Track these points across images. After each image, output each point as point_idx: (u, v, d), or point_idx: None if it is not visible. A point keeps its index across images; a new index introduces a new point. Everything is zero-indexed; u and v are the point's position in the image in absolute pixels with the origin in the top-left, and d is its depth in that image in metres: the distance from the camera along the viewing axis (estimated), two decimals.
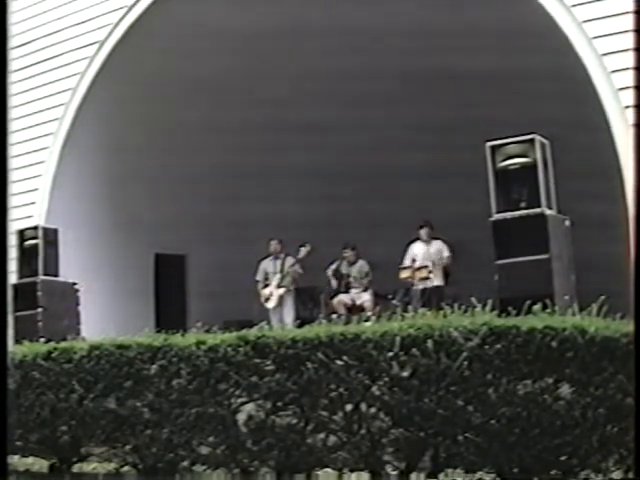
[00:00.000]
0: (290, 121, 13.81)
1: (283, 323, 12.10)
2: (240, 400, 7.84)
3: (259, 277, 12.79)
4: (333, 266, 12.59)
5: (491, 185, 8.42)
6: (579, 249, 8.32)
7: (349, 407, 7.38)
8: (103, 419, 8.36)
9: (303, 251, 12.33)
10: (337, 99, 13.60)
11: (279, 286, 12.56)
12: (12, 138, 10.20)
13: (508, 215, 8.28)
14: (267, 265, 12.80)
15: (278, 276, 12.59)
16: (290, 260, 12.63)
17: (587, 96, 9.25)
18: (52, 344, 9.14)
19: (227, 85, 13.40)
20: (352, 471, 7.51)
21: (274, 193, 14.60)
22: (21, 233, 11.40)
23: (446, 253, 11.83)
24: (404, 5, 11.82)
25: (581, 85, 9.35)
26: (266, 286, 12.69)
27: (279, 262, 12.69)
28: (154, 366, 8.14)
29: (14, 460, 8.70)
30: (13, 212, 10.86)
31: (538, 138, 8.31)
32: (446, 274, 11.87)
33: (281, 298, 12.53)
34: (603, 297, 7.16)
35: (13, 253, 11.06)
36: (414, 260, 11.81)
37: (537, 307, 7.15)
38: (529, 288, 7.70)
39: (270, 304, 12.56)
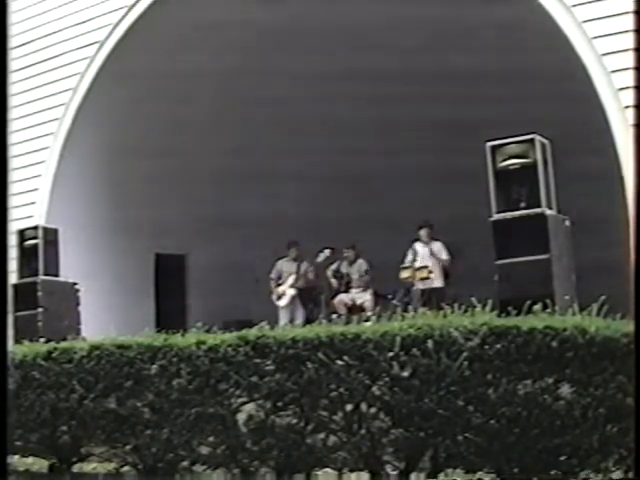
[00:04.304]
0: (290, 121, 13.82)
1: (294, 321, 12.41)
2: (240, 400, 7.84)
3: (273, 275, 13.11)
4: (333, 266, 12.63)
5: (491, 185, 8.42)
6: (579, 249, 8.32)
7: (349, 407, 7.37)
8: (103, 419, 8.36)
9: (322, 256, 12.43)
10: (337, 99, 13.60)
11: (293, 286, 12.89)
12: (12, 138, 10.19)
13: (508, 215, 8.28)
14: (283, 265, 13.13)
15: (293, 276, 12.91)
16: (305, 264, 12.96)
17: (587, 96, 9.25)
18: (52, 344, 9.13)
19: (228, 84, 13.40)
20: (352, 471, 7.51)
21: (274, 193, 14.60)
22: (21, 233, 11.40)
23: (444, 256, 11.87)
24: (404, 4, 11.81)
25: (581, 85, 9.35)
26: (278, 285, 12.99)
27: (295, 264, 13.02)
28: (154, 366, 8.14)
29: (14, 460, 8.70)
30: (13, 212, 10.84)
31: (538, 138, 8.31)
32: (446, 275, 11.89)
33: (293, 298, 12.87)
34: (603, 297, 7.16)
35: (13, 253, 11.05)
36: (414, 260, 11.82)
37: (537, 307, 7.15)
38: (529, 288, 7.70)
39: (282, 302, 12.88)
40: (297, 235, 13.07)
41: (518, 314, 7.18)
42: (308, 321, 10.82)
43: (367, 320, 10.50)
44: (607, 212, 10.35)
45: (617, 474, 6.66)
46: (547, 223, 8.07)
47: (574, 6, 9.32)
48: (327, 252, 12.37)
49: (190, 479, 8.07)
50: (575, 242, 8.31)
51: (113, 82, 12.54)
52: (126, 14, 12.26)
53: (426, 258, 11.83)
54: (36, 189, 12.65)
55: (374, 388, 7.23)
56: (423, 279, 11.68)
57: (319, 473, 7.61)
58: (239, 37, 12.58)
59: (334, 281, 12.56)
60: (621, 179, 8.70)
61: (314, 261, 12.63)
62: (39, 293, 10.94)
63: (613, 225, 9.00)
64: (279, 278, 13.05)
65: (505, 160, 8.42)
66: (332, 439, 7.49)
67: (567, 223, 8.34)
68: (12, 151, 9.90)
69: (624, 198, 8.60)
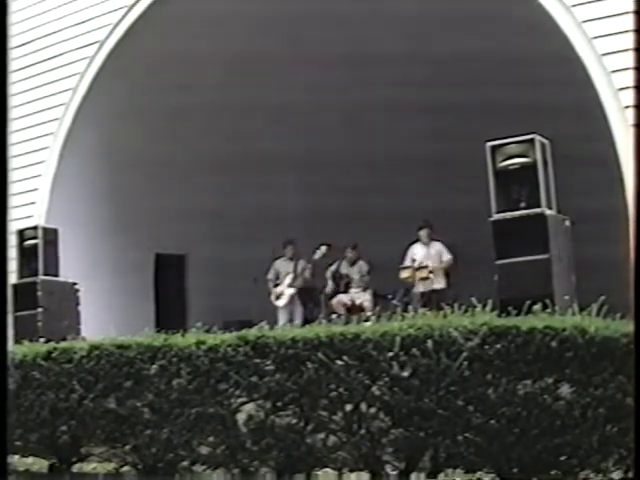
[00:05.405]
0: (292, 114, 13.80)
1: (293, 321, 12.35)
2: (240, 400, 7.85)
3: (271, 276, 13.07)
4: (333, 267, 12.62)
5: (491, 185, 8.42)
6: (579, 249, 8.32)
7: (349, 407, 7.38)
8: (103, 419, 8.36)
9: (319, 253, 12.40)
10: (337, 89, 13.58)
11: (291, 286, 12.82)
12: (12, 138, 10.19)
13: (508, 215, 8.28)
14: (280, 265, 13.08)
15: (291, 276, 12.86)
16: (302, 263, 12.88)
17: (587, 96, 9.25)
18: (52, 344, 9.13)
19: (227, 84, 13.40)
20: (352, 471, 7.52)
21: (274, 192, 14.60)
22: (21, 233, 11.40)
23: (447, 256, 11.84)
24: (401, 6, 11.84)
25: (581, 85, 9.35)
26: (277, 285, 12.95)
27: (292, 263, 12.94)
28: (154, 366, 8.14)
29: (14, 460, 8.70)
30: (13, 212, 10.83)
31: (538, 138, 8.31)
32: (447, 276, 11.86)
33: (292, 297, 12.81)
34: (603, 297, 7.16)
35: (13, 253, 11.06)
36: (414, 260, 11.81)
37: (537, 307, 7.15)
38: (529, 288, 7.70)
39: (281, 302, 12.84)
40: (296, 233, 13.06)
41: (518, 314, 7.18)
42: (307, 321, 10.81)
43: (367, 320, 10.50)
44: (607, 211, 10.34)
45: (617, 474, 6.67)
46: (547, 223, 8.07)
47: (574, 6, 9.32)
48: (324, 249, 12.35)
49: (190, 479, 8.08)
50: (575, 242, 8.32)
51: (113, 82, 12.53)
52: (126, 14, 12.26)
53: (426, 259, 11.81)
54: (36, 189, 12.65)
55: (374, 388, 7.24)
56: (423, 279, 11.66)
57: (319, 473, 7.61)
58: (240, 35, 12.57)
59: (331, 283, 12.54)
60: (621, 179, 8.69)
61: (311, 259, 12.61)
62: (39, 293, 10.94)
63: (613, 225, 8.99)
64: (277, 278, 13.00)
65: (505, 160, 8.42)
66: (332, 439, 7.49)
67: (567, 223, 8.35)
68: (12, 151, 9.90)
69: (624, 198, 8.59)
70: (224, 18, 12.18)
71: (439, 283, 11.74)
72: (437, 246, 11.94)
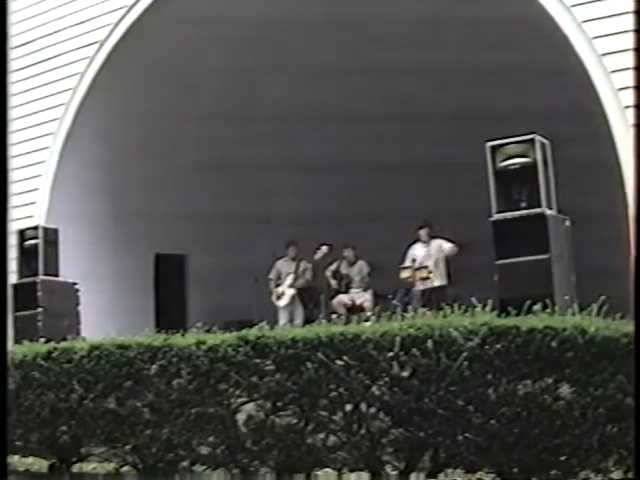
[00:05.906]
0: (290, 117, 13.80)
1: (294, 321, 12.38)
2: (240, 400, 7.85)
3: (272, 275, 13.08)
4: (332, 267, 12.65)
5: (491, 185, 8.42)
6: (579, 249, 8.32)
7: (349, 407, 7.38)
8: (103, 419, 8.36)
9: (320, 253, 12.40)
10: (336, 93, 13.59)
11: (292, 286, 12.83)
12: (12, 138, 10.19)
13: (508, 215, 8.28)
14: (282, 265, 13.08)
15: (292, 276, 12.87)
16: (304, 263, 12.89)
17: (587, 96, 9.25)
18: (52, 344, 9.13)
19: (228, 83, 13.40)
20: (352, 471, 7.52)
21: (274, 192, 14.61)
22: (21, 233, 11.41)
23: (447, 245, 11.74)
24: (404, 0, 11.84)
25: (581, 85, 9.35)
26: (278, 285, 12.97)
27: (294, 264, 12.95)
28: (154, 366, 8.14)
29: (14, 460, 8.70)
30: (13, 212, 10.87)
31: (538, 138, 8.32)
32: (448, 275, 11.83)
33: (293, 298, 12.82)
34: (603, 297, 7.17)
35: (13, 253, 11.06)
36: (414, 260, 11.80)
37: (537, 307, 7.15)
38: (529, 288, 7.71)
39: (282, 302, 12.84)
40: (296, 233, 13.06)
41: (518, 314, 7.18)
42: (307, 321, 10.81)
43: (367, 320, 10.49)
44: (607, 212, 10.34)
45: (617, 474, 6.67)
46: (547, 223, 8.08)
47: (574, 6, 9.32)
48: (325, 249, 12.36)
49: (190, 479, 8.08)
50: (575, 242, 8.32)
51: (113, 82, 12.54)
52: (126, 14, 12.26)
53: (427, 258, 11.79)
54: (36, 189, 12.64)
55: (374, 388, 7.24)
56: (423, 279, 11.64)
57: (319, 473, 7.61)
58: (239, 35, 12.57)
59: (334, 282, 12.56)
60: (621, 179, 8.69)
61: (312, 259, 12.62)
62: (39, 293, 10.95)
63: (613, 225, 8.99)
64: (278, 278, 13.02)
65: (505, 160, 8.43)
66: (332, 439, 7.50)
67: (567, 223, 8.35)
68: (12, 151, 9.91)
69: (624, 198, 8.59)
70: (225, 17, 12.18)
71: (439, 280, 11.70)
72: (437, 242, 11.88)
